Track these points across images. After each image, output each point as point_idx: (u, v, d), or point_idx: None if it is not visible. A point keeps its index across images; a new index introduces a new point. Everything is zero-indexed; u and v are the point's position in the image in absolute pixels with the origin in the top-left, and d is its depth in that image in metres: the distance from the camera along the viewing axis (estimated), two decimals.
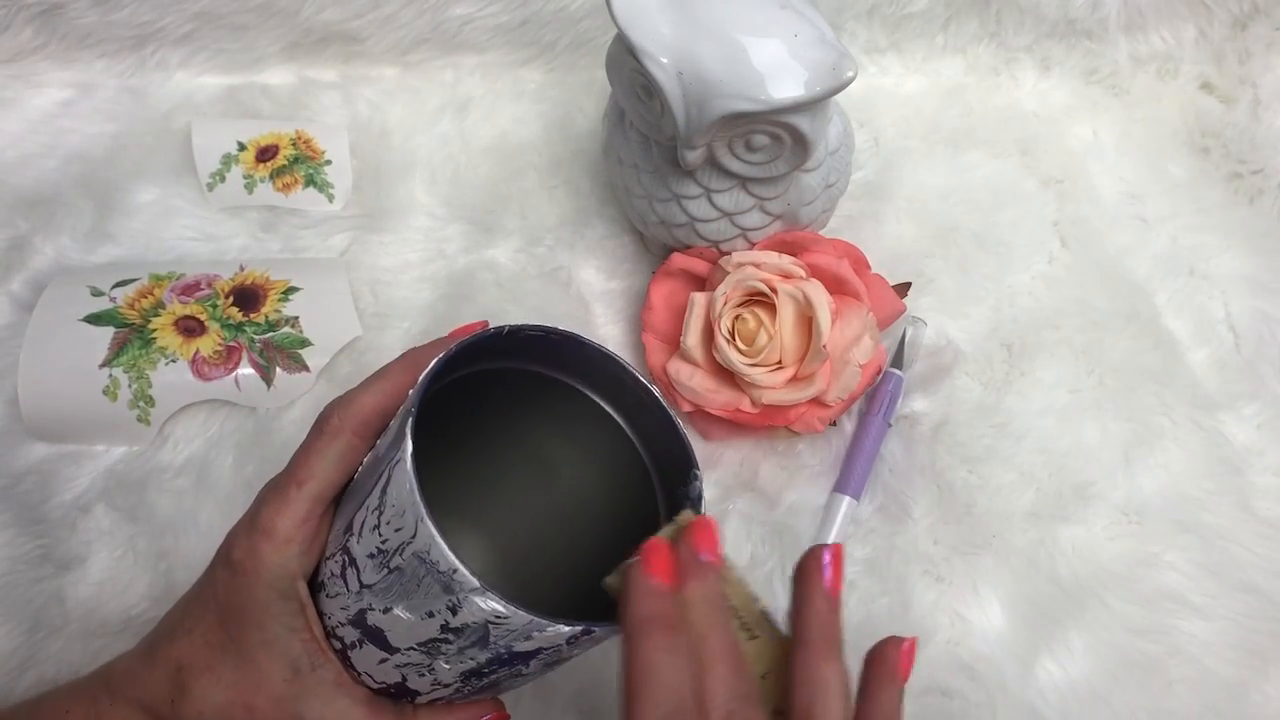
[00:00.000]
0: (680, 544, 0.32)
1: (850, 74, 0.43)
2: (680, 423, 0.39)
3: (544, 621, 0.32)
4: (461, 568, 0.31)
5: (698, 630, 0.30)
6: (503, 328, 0.36)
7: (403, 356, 0.38)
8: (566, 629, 0.32)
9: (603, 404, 0.41)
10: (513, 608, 0.31)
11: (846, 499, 0.53)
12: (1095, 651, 0.51)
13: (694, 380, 0.53)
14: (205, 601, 0.37)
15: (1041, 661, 0.50)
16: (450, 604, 0.32)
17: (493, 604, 0.31)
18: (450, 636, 0.33)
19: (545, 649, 0.33)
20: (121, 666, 0.38)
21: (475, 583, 0.31)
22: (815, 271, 0.52)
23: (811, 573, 0.33)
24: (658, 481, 0.40)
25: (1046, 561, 0.53)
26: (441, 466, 0.39)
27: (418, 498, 0.31)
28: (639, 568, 0.31)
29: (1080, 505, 0.55)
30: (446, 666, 0.35)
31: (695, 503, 0.37)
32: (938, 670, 0.50)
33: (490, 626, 0.32)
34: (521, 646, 0.33)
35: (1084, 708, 0.49)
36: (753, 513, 0.53)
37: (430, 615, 0.33)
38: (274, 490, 0.37)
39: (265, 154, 0.62)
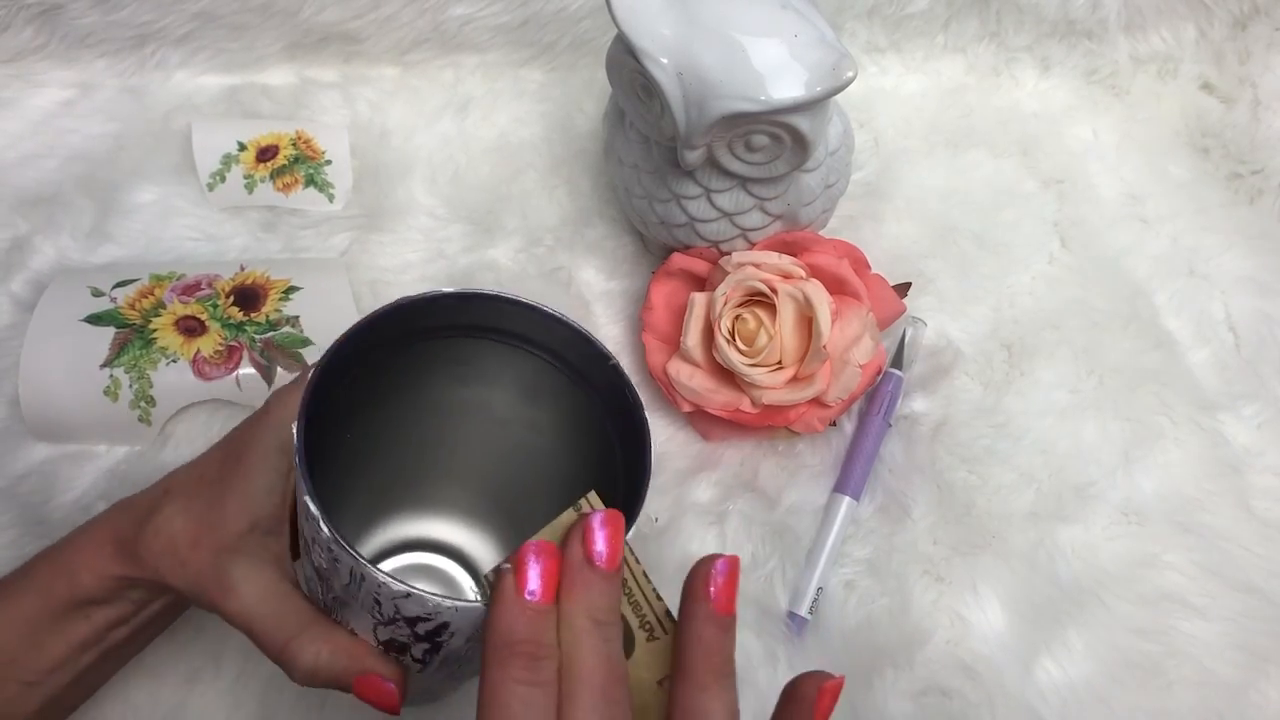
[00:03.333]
0: (569, 543, 0.28)
1: (850, 74, 0.43)
2: (609, 352, 0.36)
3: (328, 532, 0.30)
4: (299, 450, 0.31)
5: (568, 652, 0.27)
6: (409, 298, 0.35)
7: None
8: (373, 572, 0.30)
9: (546, 358, 0.40)
10: (311, 501, 0.30)
11: (846, 499, 0.53)
12: (1095, 652, 0.51)
13: (694, 380, 0.53)
14: (225, 440, 0.37)
15: (1041, 662, 0.50)
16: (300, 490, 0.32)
17: (305, 496, 0.31)
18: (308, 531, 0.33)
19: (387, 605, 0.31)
20: (124, 498, 0.38)
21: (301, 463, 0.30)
22: (815, 271, 0.52)
23: (697, 589, 0.28)
24: (604, 413, 0.39)
25: (1046, 562, 0.53)
26: (406, 424, 0.41)
27: (298, 416, 0.32)
28: (509, 577, 0.27)
29: (1080, 505, 0.55)
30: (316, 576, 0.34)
31: (635, 434, 0.34)
32: (937, 670, 0.50)
33: (310, 525, 0.31)
34: (342, 580, 0.32)
35: (1083, 708, 0.49)
36: (753, 513, 0.53)
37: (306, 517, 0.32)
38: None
39: (265, 154, 0.62)
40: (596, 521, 0.28)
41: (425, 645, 0.33)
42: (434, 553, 0.47)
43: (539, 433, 0.42)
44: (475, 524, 0.47)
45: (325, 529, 0.30)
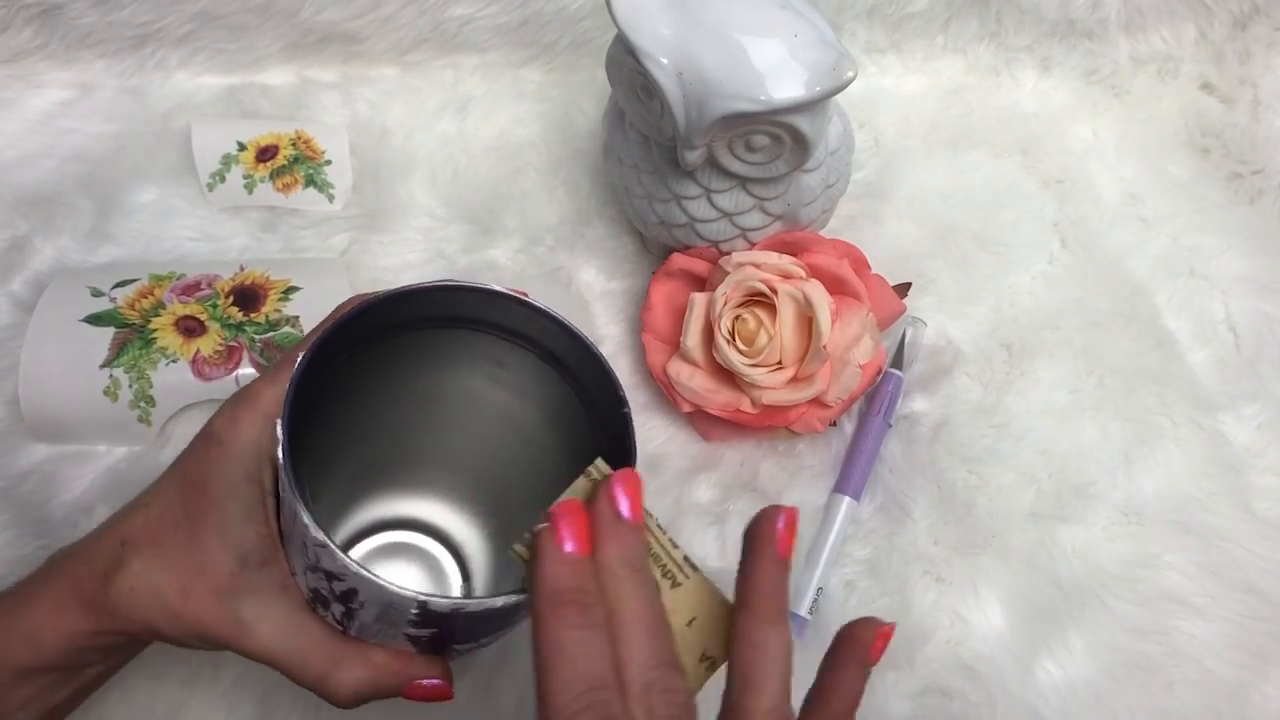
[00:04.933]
0: (597, 501, 0.30)
1: (850, 74, 0.43)
2: (593, 344, 0.38)
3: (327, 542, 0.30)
4: (282, 454, 0.31)
5: (612, 597, 0.29)
6: (397, 290, 0.36)
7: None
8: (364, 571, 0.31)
9: (532, 351, 0.41)
10: (294, 497, 0.31)
11: (846, 499, 0.53)
12: (1095, 652, 0.51)
13: (694, 380, 0.53)
14: (174, 477, 0.36)
15: (1041, 662, 0.50)
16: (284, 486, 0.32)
17: (285, 476, 0.31)
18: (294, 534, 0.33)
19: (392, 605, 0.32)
20: (68, 547, 0.36)
21: (282, 455, 0.31)
22: (815, 272, 0.52)
23: (764, 534, 0.31)
24: (587, 411, 0.40)
25: (1046, 562, 0.53)
26: (389, 417, 0.43)
27: (282, 412, 0.32)
28: (548, 534, 0.29)
29: (1080, 505, 0.55)
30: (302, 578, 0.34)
31: (622, 440, 0.36)
32: (938, 670, 0.50)
33: (301, 529, 0.31)
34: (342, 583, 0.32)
35: (1084, 708, 0.49)
36: (753, 513, 0.53)
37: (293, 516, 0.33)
38: (270, 368, 0.36)
39: (265, 154, 0.62)
40: (618, 480, 0.30)
41: (341, 607, 0.33)
42: (419, 533, 0.48)
43: (521, 418, 0.43)
44: (459, 506, 0.48)
45: (285, 475, 0.31)
